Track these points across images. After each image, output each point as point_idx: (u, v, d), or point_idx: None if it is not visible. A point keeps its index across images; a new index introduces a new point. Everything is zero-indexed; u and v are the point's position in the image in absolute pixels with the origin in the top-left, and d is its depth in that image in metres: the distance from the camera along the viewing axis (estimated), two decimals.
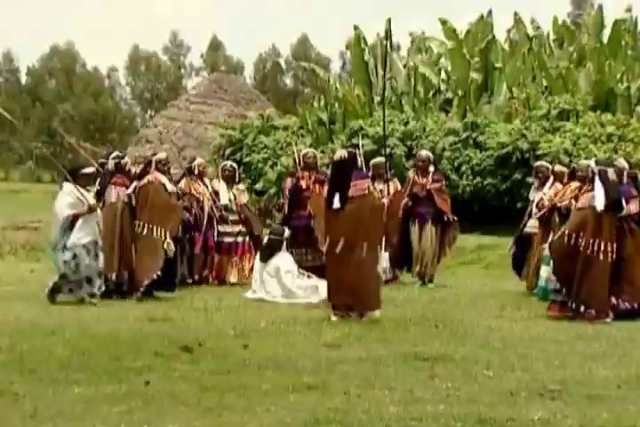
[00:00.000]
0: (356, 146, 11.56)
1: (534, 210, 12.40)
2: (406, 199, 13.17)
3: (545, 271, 11.72)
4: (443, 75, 30.25)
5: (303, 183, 13.36)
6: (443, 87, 29.16)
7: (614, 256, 10.09)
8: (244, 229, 13.36)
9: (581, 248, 10.01)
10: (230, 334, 8.55)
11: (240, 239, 13.32)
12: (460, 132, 23.75)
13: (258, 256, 12.07)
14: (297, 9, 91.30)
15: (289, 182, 13.70)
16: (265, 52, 66.31)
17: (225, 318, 9.71)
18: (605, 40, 28.17)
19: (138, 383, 6.32)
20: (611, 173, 10.29)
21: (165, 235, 11.20)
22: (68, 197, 10.72)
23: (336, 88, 30.76)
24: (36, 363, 6.98)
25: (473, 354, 7.76)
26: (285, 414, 5.52)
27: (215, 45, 66.98)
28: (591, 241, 9.99)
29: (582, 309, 9.96)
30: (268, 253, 11.87)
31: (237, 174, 13.79)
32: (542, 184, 12.62)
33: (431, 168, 13.71)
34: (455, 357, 7.57)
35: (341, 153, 10.13)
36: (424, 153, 14.34)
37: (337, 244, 9.66)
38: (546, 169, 12.84)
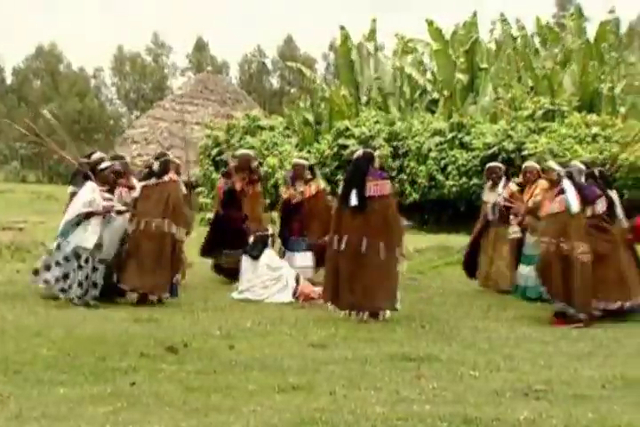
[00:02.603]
0: (374, 147, 11.60)
1: (511, 216, 12.39)
2: None
3: (525, 270, 11.74)
4: (429, 75, 30.32)
5: (237, 185, 13.34)
6: (429, 88, 29.21)
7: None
8: None
9: (567, 253, 9.88)
10: (216, 335, 8.54)
11: None
12: (446, 133, 23.80)
13: (244, 256, 12.03)
14: (281, 10, 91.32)
15: (222, 183, 13.69)
16: (250, 52, 66.37)
17: (211, 318, 9.70)
18: (589, 41, 28.29)
19: (123, 384, 6.31)
20: (576, 174, 10.29)
21: (182, 236, 11.14)
22: (90, 195, 10.53)
23: (322, 88, 30.75)
24: (21, 364, 6.95)
25: (459, 354, 7.78)
26: (271, 415, 5.51)
27: (200, 46, 67.00)
28: (574, 245, 9.91)
29: (580, 314, 9.81)
30: (259, 248, 11.86)
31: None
32: (495, 185, 12.66)
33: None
34: (441, 357, 7.59)
35: (358, 152, 10.16)
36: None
37: (357, 243, 9.65)
38: (499, 169, 12.85)
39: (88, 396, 5.96)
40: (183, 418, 5.46)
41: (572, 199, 10.00)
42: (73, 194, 11.62)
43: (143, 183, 11.22)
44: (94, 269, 10.59)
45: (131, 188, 11.38)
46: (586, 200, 10.37)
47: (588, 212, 10.41)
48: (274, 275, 11.74)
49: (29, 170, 53.67)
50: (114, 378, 6.52)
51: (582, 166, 10.91)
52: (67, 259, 10.59)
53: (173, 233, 10.94)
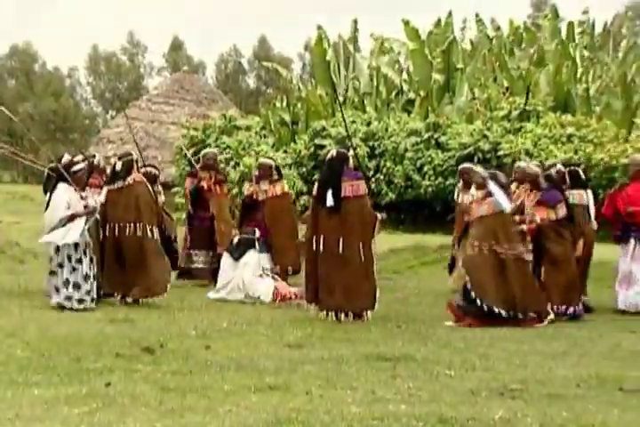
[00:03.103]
0: (349, 147, 11.57)
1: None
2: None
3: None
4: (405, 75, 30.39)
5: (204, 184, 13.31)
6: (405, 88, 29.27)
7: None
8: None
9: (501, 256, 9.87)
10: (192, 335, 8.53)
11: None
12: (422, 133, 23.84)
13: (225, 255, 11.98)
14: (257, 9, 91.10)
15: (189, 183, 13.65)
16: (226, 52, 66.22)
17: (187, 318, 9.68)
18: (564, 42, 28.47)
19: (99, 385, 6.27)
20: (500, 176, 10.31)
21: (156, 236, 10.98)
22: (65, 196, 10.23)
23: (299, 88, 30.75)
24: None
25: (435, 354, 7.79)
26: (247, 415, 5.51)
27: (176, 45, 66.81)
28: (506, 246, 9.89)
29: (521, 315, 9.83)
30: (241, 250, 11.80)
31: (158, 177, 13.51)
32: (467, 186, 12.66)
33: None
34: (417, 357, 7.60)
35: (331, 152, 10.14)
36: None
37: (334, 243, 9.65)
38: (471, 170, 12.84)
39: (63, 397, 5.92)
40: (159, 419, 5.44)
41: (503, 200, 10.01)
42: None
43: (108, 187, 10.99)
44: (90, 267, 10.38)
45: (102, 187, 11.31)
46: (547, 204, 10.44)
47: (552, 216, 10.47)
48: (254, 275, 11.71)
49: (4, 170, 53.30)
50: (89, 379, 6.48)
51: (538, 170, 10.95)
52: (60, 265, 10.28)
53: (150, 235, 10.85)
